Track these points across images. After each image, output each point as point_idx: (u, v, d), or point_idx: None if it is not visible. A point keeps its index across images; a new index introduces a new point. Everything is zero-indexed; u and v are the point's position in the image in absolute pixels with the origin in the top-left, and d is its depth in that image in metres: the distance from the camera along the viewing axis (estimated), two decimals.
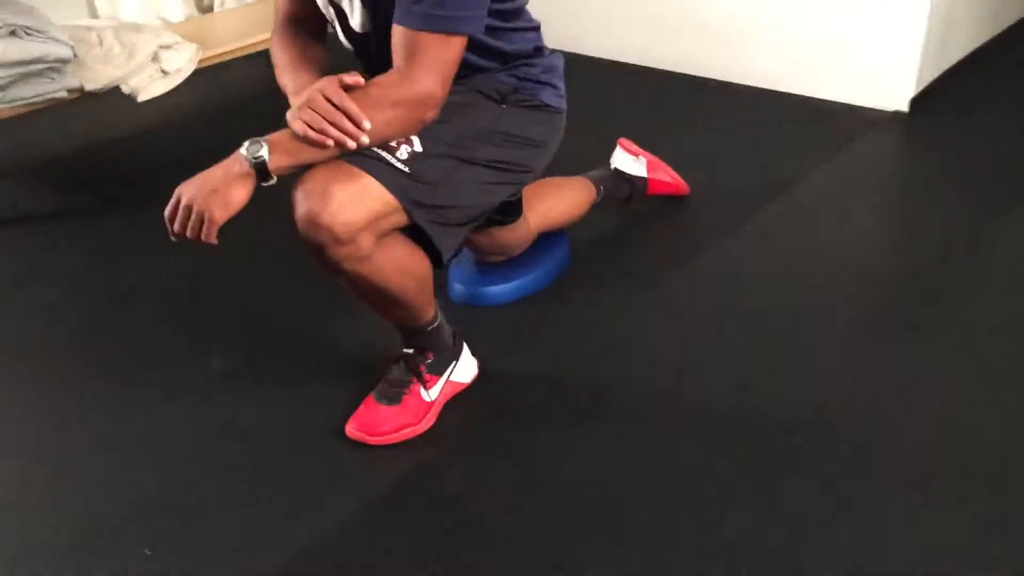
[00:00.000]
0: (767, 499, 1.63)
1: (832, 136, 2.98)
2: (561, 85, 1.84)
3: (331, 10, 1.70)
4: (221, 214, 1.48)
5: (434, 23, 1.50)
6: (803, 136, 3.00)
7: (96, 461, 1.75)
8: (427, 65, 1.52)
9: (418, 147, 1.57)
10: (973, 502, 1.61)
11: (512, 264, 2.22)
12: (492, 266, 2.22)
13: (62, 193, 2.77)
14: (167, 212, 1.52)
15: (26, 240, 2.51)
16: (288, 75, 1.70)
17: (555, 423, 1.83)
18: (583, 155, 2.50)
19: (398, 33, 1.53)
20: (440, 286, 2.17)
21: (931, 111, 3.13)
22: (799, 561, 1.51)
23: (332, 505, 1.63)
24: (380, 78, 1.56)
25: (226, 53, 3.12)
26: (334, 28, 1.74)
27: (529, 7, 1.78)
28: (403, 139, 1.56)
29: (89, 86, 2.73)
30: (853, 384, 1.91)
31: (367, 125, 1.49)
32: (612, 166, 2.52)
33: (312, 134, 1.48)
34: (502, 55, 1.71)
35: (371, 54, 1.69)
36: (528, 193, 2.23)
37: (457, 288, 2.19)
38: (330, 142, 1.48)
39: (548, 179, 2.33)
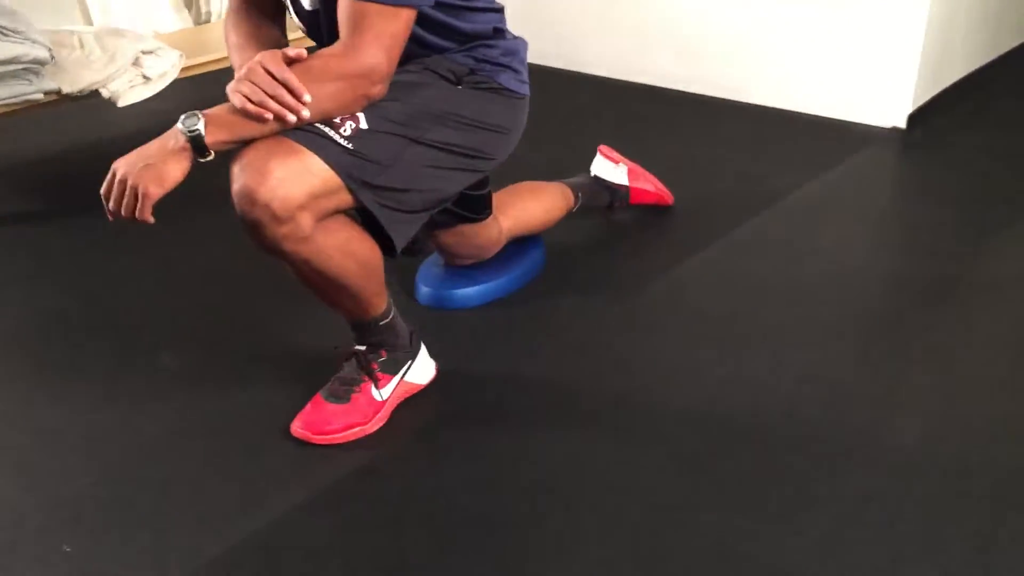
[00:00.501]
0: (734, 505, 1.54)
1: (827, 151, 2.91)
2: (523, 70, 1.77)
3: None
4: (156, 190, 1.42)
5: None
6: (797, 151, 2.93)
7: (30, 457, 1.68)
8: (372, 37, 1.46)
9: (364, 124, 1.51)
10: (959, 509, 1.51)
11: (481, 267, 2.15)
12: (461, 269, 2.15)
13: (31, 195, 2.72)
14: (103, 189, 1.47)
15: None
16: (238, 55, 1.65)
17: (512, 426, 1.75)
18: (566, 166, 2.43)
19: (343, 5, 1.48)
20: (407, 290, 2.12)
21: (928, 127, 3.05)
22: (763, 569, 1.41)
23: (268, 504, 1.56)
24: (323, 51, 1.50)
25: (214, 62, 3.08)
26: (286, 7, 1.69)
27: (520, 23, 1.71)
28: (348, 116, 1.50)
29: (67, 89, 2.69)
30: (829, 391, 1.82)
31: (307, 98, 1.43)
32: (592, 173, 2.45)
33: (250, 107, 1.42)
34: (459, 35, 1.65)
35: (321, 32, 1.63)
36: (501, 196, 2.17)
37: (423, 290, 2.12)
38: (269, 115, 1.42)
39: (523, 183, 2.27)
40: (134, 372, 1.91)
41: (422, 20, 1.58)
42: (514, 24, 1.79)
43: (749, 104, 3.29)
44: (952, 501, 1.54)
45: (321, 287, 1.60)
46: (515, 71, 1.73)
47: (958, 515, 1.51)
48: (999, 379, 1.84)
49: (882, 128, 3.07)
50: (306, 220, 1.46)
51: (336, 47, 1.49)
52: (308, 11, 1.63)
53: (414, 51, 1.61)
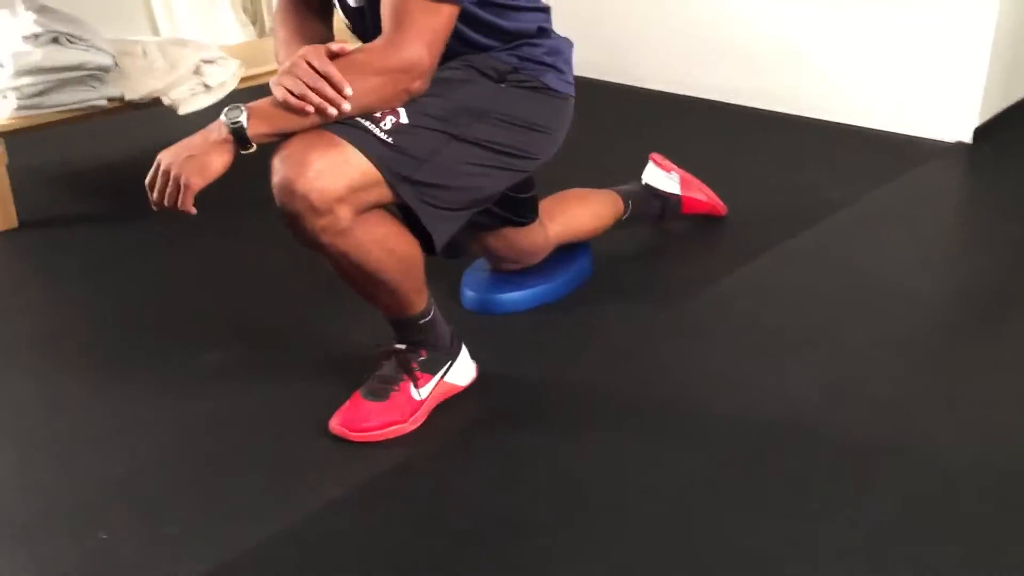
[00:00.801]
0: (768, 512, 1.49)
1: (888, 165, 2.84)
2: (568, 70, 1.76)
3: None
4: (198, 180, 1.44)
5: None
6: (857, 165, 2.87)
7: (70, 447, 1.71)
8: (414, 33, 1.46)
9: (404, 119, 1.51)
10: (1004, 528, 1.45)
11: (527, 272, 2.14)
12: (506, 274, 2.14)
13: (93, 199, 2.78)
14: (147, 179, 1.49)
15: (46, 241, 2.52)
16: (284, 50, 1.67)
17: (549, 429, 1.72)
18: (617, 177, 2.40)
19: (383, 4, 1.48)
20: (452, 294, 2.11)
21: (996, 143, 2.96)
22: None
23: (300, 498, 1.55)
24: (366, 45, 1.51)
25: (274, 72, 3.12)
26: (333, 4, 1.70)
27: (574, 35, 1.70)
28: (388, 110, 1.50)
29: (129, 96, 2.75)
30: (874, 404, 1.76)
31: (349, 92, 1.44)
32: (643, 182, 2.42)
33: (292, 100, 1.43)
34: (503, 33, 1.65)
35: (367, 29, 1.64)
36: (549, 202, 2.16)
37: (468, 295, 2.11)
38: (310, 108, 1.43)
39: (572, 189, 2.26)
40: (177, 367, 1.92)
41: (466, 18, 1.58)
42: (568, 36, 1.78)
43: (808, 118, 3.23)
44: (994, 518, 1.47)
45: (359, 282, 1.60)
46: (559, 71, 1.72)
47: (999, 531, 1.44)
48: None
49: (947, 143, 2.99)
50: (345, 213, 1.47)
51: (378, 41, 1.50)
52: (353, 8, 1.64)
53: (458, 49, 1.61)
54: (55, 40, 2.62)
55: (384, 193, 1.51)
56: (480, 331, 1.98)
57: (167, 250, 2.44)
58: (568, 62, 1.76)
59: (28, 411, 1.83)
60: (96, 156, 3.09)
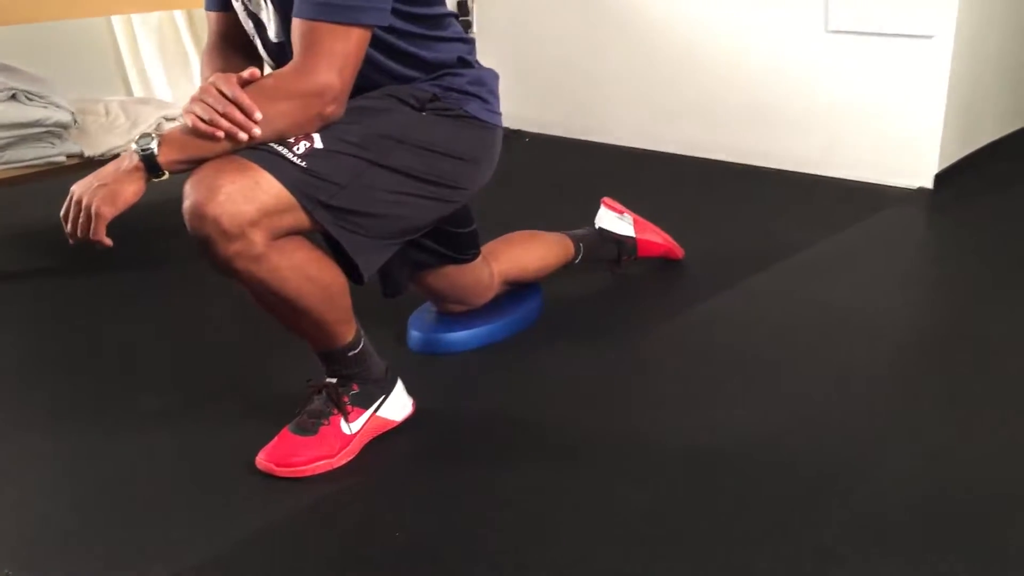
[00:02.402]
0: (714, 539, 1.44)
1: (849, 211, 2.84)
2: (493, 100, 1.75)
3: (250, 23, 1.67)
4: (109, 210, 1.43)
5: (329, 13, 1.46)
6: (819, 211, 2.87)
7: (9, 476, 1.66)
8: (324, 56, 1.46)
9: (318, 143, 1.50)
10: (950, 557, 1.40)
11: (474, 313, 2.11)
12: (453, 315, 2.11)
13: (43, 255, 2.77)
14: (63, 211, 1.48)
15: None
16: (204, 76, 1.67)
17: (487, 465, 1.68)
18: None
19: (295, 25, 1.49)
20: (399, 336, 2.08)
21: (956, 189, 2.97)
22: None
23: (220, 535, 1.50)
24: (277, 72, 1.51)
25: None
26: (254, 42, 1.71)
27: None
28: (303, 136, 1.49)
29: (89, 152, 2.77)
30: (823, 433, 1.72)
31: (258, 116, 1.43)
32: (596, 226, 2.41)
33: (202, 126, 1.43)
34: (423, 64, 1.65)
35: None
36: (495, 243, 2.15)
37: (414, 335, 2.08)
38: (220, 134, 1.43)
39: (519, 231, 2.25)
40: (111, 410, 1.89)
41: (384, 47, 1.58)
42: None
43: (773, 169, 3.24)
44: (938, 546, 1.43)
45: (280, 311, 1.58)
46: (483, 100, 1.72)
47: (945, 560, 1.39)
48: (1003, 434, 1.73)
49: (908, 189, 2.99)
50: (258, 237, 1.45)
51: (289, 67, 1.50)
52: (274, 43, 1.64)
53: (378, 80, 1.62)
54: (13, 97, 2.64)
55: (300, 218, 1.50)
56: (422, 369, 1.96)
57: (116, 302, 2.42)
58: (493, 92, 1.76)
59: None
60: (53, 214, 3.08)
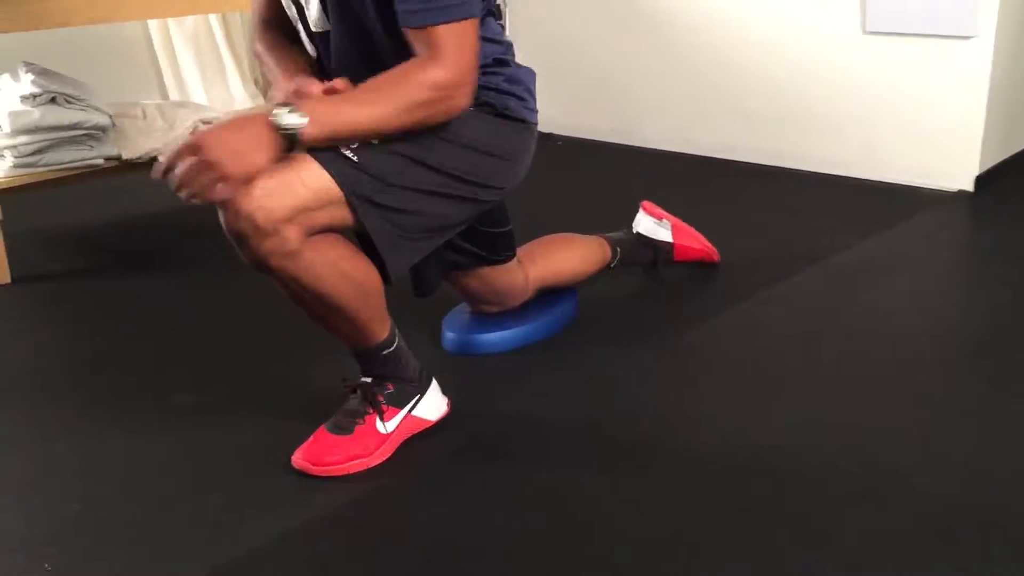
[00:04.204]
0: (748, 543, 1.42)
1: (888, 214, 2.80)
2: (530, 99, 1.74)
3: (293, 9, 1.67)
4: (242, 178, 1.39)
5: (446, 14, 1.46)
6: (857, 214, 2.83)
7: (28, 484, 1.67)
8: (451, 54, 1.47)
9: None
10: (981, 567, 1.37)
11: (508, 314, 2.10)
12: (487, 316, 2.10)
13: (83, 256, 2.79)
14: (171, 155, 1.38)
15: (35, 295, 2.52)
16: (270, 56, 1.69)
17: (521, 465, 1.66)
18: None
19: (412, 35, 1.49)
20: (434, 337, 2.08)
21: (998, 191, 2.92)
22: None
23: (254, 533, 1.50)
24: (405, 70, 1.49)
25: None
26: (297, 29, 1.71)
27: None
28: None
29: (126, 155, 2.79)
30: (861, 439, 1.69)
31: None
32: (634, 230, 2.39)
33: None
34: None
35: (331, 53, 1.64)
36: (531, 245, 2.14)
37: (448, 335, 2.07)
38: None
39: (556, 234, 2.23)
40: (147, 407, 1.90)
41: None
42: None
43: (811, 172, 3.21)
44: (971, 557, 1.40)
45: (315, 309, 1.57)
46: (520, 98, 1.71)
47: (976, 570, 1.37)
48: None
49: (948, 192, 2.95)
50: (292, 234, 1.44)
51: (418, 65, 1.48)
52: (318, 32, 1.64)
53: None
54: (52, 100, 2.67)
55: (338, 215, 1.49)
56: (458, 369, 1.95)
57: (152, 302, 2.43)
58: (531, 91, 1.75)
59: None
60: (92, 215, 3.12)
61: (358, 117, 1.45)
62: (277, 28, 1.75)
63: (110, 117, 2.75)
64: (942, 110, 2.95)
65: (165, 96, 3.97)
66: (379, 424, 1.67)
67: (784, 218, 2.84)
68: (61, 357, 2.16)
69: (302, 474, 1.63)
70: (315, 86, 1.49)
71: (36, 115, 2.63)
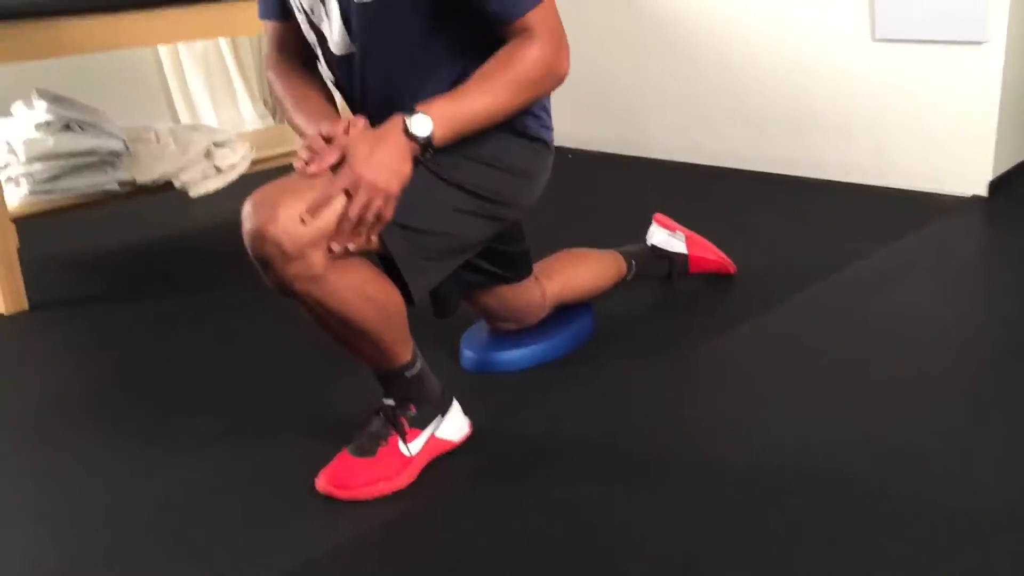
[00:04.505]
0: (776, 564, 1.42)
1: (902, 221, 2.79)
2: (546, 116, 1.75)
3: (312, 35, 1.68)
4: (398, 190, 1.45)
5: (529, 3, 1.52)
6: (871, 222, 2.83)
7: (58, 512, 1.68)
8: (546, 34, 1.54)
9: None
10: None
11: (526, 331, 2.10)
12: (505, 334, 2.10)
13: (100, 282, 2.80)
14: (320, 199, 1.41)
15: (53, 322, 2.53)
16: (304, 119, 1.67)
17: (546, 484, 1.66)
18: (624, 243, 2.38)
19: (504, 31, 1.54)
20: (452, 355, 2.08)
21: (1012, 195, 2.91)
22: None
23: (283, 557, 1.50)
24: (501, 54, 1.54)
25: (284, 156, 3.17)
26: (316, 56, 1.72)
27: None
28: None
29: (141, 179, 2.81)
30: (885, 451, 1.68)
31: None
32: (648, 243, 2.40)
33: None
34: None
35: (355, 78, 1.65)
36: (547, 261, 2.14)
37: (467, 355, 2.08)
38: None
39: (572, 249, 2.23)
40: (171, 434, 1.90)
41: (451, 63, 1.58)
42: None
43: (823, 180, 3.21)
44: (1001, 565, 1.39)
45: (339, 332, 1.58)
46: (536, 116, 1.71)
47: None
48: None
49: (962, 197, 2.95)
50: (318, 258, 1.45)
51: (519, 46, 1.53)
52: (339, 56, 1.65)
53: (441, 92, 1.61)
54: (67, 127, 2.69)
55: (364, 237, 1.49)
56: (477, 388, 1.95)
57: (171, 327, 2.44)
58: (546, 109, 1.75)
59: (20, 480, 1.81)
60: (108, 241, 3.13)
61: (477, 108, 1.51)
62: (291, 55, 1.75)
63: (124, 142, 2.77)
64: (954, 115, 2.95)
65: (176, 118, 3.99)
66: (402, 446, 1.67)
67: (797, 227, 2.83)
68: (84, 384, 2.17)
69: (327, 498, 1.63)
70: (339, 126, 1.49)
71: (51, 142, 2.65)
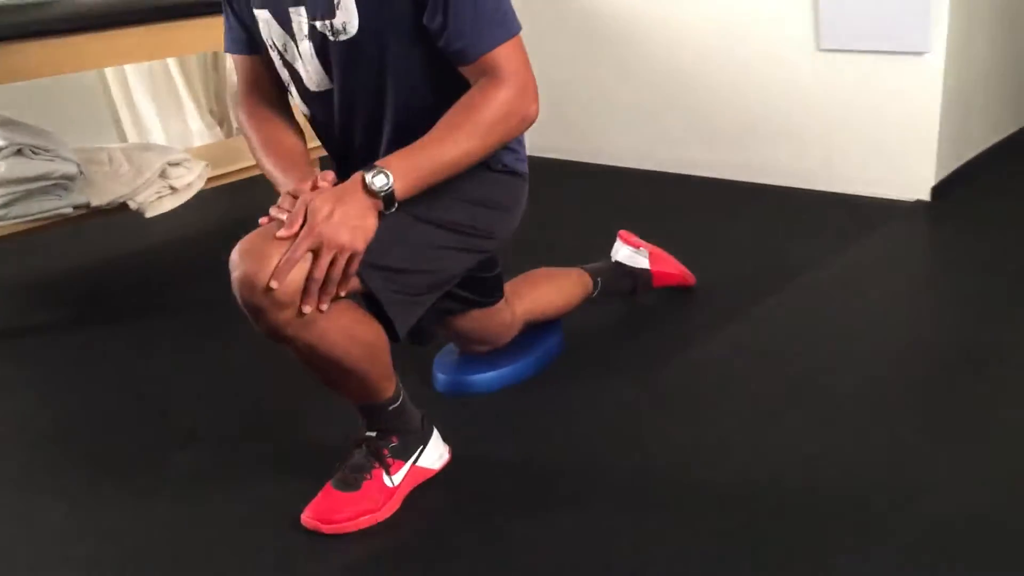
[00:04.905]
0: None
1: (850, 227, 2.88)
2: (521, 150, 1.78)
3: (286, 72, 1.69)
4: (364, 247, 1.45)
5: (500, 36, 1.53)
6: (820, 228, 2.91)
7: (33, 556, 1.67)
8: (512, 72, 1.54)
9: None
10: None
11: (498, 352, 2.13)
12: (476, 356, 2.13)
13: (56, 307, 2.77)
14: (288, 260, 1.41)
15: (12, 351, 2.49)
16: (273, 165, 1.67)
17: (527, 512, 1.69)
18: (586, 256, 2.42)
19: (469, 70, 1.55)
20: (424, 379, 2.10)
21: (954, 199, 3.02)
22: None
23: None
24: (475, 99, 1.53)
25: (239, 172, 3.16)
26: (289, 92, 1.72)
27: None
28: None
29: (95, 202, 2.77)
30: (855, 463, 1.75)
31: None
32: (613, 259, 2.44)
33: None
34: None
35: (332, 113, 1.66)
36: (516, 282, 2.17)
37: (440, 378, 2.10)
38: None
39: (539, 269, 2.26)
40: (145, 469, 1.90)
41: (432, 102, 1.60)
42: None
43: (771, 185, 3.29)
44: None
45: (326, 372, 1.59)
46: (513, 150, 1.74)
47: None
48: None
49: (907, 202, 3.04)
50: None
51: (480, 89, 1.53)
52: (315, 92, 1.66)
53: (426, 127, 1.62)
54: (19, 152, 2.64)
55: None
56: (451, 414, 1.97)
57: (134, 353, 2.43)
58: (521, 142, 1.78)
59: None
60: (61, 263, 3.09)
61: (441, 159, 1.51)
62: (261, 91, 1.76)
63: (78, 165, 2.73)
64: (897, 123, 3.04)
65: (121, 131, 3.94)
66: (386, 478, 1.70)
67: (752, 234, 2.90)
68: (52, 416, 2.15)
69: (313, 532, 1.65)
70: (307, 184, 1.50)
71: (2, 168, 2.60)
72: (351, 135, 1.69)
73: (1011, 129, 3.46)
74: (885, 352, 2.15)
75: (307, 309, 1.44)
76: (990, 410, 1.89)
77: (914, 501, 1.63)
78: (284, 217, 1.46)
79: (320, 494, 1.69)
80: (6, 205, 2.63)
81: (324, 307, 1.45)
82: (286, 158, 1.67)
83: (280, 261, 1.41)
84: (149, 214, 2.87)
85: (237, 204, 3.47)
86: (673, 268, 2.47)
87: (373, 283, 1.53)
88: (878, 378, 2.04)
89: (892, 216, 2.94)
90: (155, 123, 4.00)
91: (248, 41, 1.73)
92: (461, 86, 1.58)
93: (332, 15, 1.55)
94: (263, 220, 1.48)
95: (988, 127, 3.32)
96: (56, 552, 1.68)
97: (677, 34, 3.38)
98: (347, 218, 1.43)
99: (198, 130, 4.06)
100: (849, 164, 3.15)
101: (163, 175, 2.92)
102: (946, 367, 2.07)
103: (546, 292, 2.20)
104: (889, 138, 3.06)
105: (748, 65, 3.27)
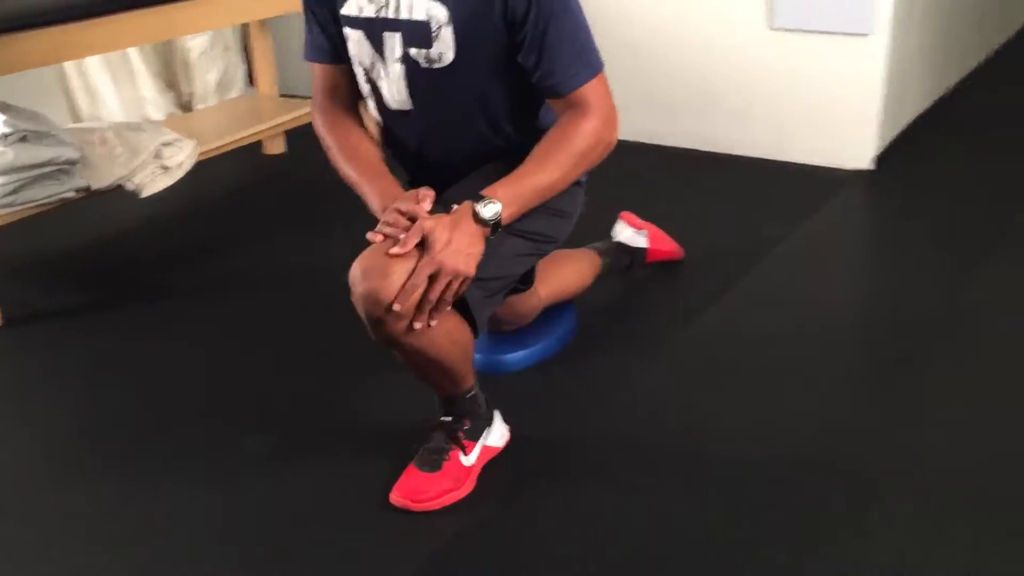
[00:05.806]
0: (776, 543, 1.73)
1: (805, 197, 3.14)
2: None
3: (367, 86, 1.81)
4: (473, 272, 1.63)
5: (589, 74, 1.70)
6: (778, 199, 3.17)
7: (121, 544, 1.78)
8: (599, 107, 1.73)
9: None
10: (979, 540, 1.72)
11: (525, 332, 2.32)
12: (504, 335, 2.31)
13: (69, 291, 2.81)
14: (410, 286, 1.57)
15: (42, 337, 2.54)
16: (359, 175, 1.79)
17: (583, 482, 1.90)
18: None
19: (560, 103, 1.71)
20: None
21: (895, 168, 3.32)
22: None
23: (383, 573, 1.68)
24: (564, 131, 1.71)
25: (214, 149, 3.22)
26: (365, 102, 1.85)
27: None
28: None
29: (96, 185, 2.81)
30: (852, 436, 2.00)
31: None
32: (615, 239, 2.63)
33: None
34: (536, 131, 1.80)
35: (412, 132, 1.81)
36: (541, 265, 2.34)
37: (476, 358, 2.26)
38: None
39: (556, 251, 2.44)
40: (218, 456, 2.01)
41: (511, 120, 1.76)
42: None
43: (724, 154, 3.53)
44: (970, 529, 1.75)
45: (426, 370, 1.76)
46: None
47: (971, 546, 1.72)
48: (1000, 405, 2.07)
49: (851, 171, 3.33)
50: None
51: (574, 120, 1.71)
52: (395, 111, 1.79)
53: (500, 147, 1.79)
54: (24, 139, 2.66)
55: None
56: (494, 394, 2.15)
57: (172, 335, 2.50)
58: None
59: (66, 510, 1.87)
60: (61, 243, 3.11)
61: (538, 186, 1.69)
62: (340, 100, 1.87)
63: (79, 150, 2.77)
64: (842, 98, 3.31)
65: (74, 109, 3.91)
66: (462, 458, 1.88)
67: (716, 206, 3.13)
68: (100, 411, 2.20)
69: (400, 512, 1.82)
70: (417, 206, 1.64)
71: (11, 155, 2.62)
72: (426, 152, 1.83)
73: (936, 95, 3.80)
74: (860, 322, 2.44)
75: (418, 326, 1.61)
76: (959, 374, 2.19)
77: (920, 471, 1.90)
78: (392, 231, 1.60)
79: (404, 475, 1.86)
80: (15, 191, 2.65)
81: (434, 323, 1.62)
82: (369, 168, 1.80)
83: (404, 283, 1.56)
84: (145, 194, 2.93)
85: (211, 179, 3.50)
86: (667, 245, 2.69)
87: (471, 295, 1.69)
88: (853, 347, 2.32)
89: (840, 186, 3.23)
90: (109, 89, 3.97)
91: (331, 51, 1.84)
92: (534, 115, 1.75)
93: (429, 45, 1.68)
94: (374, 236, 1.62)
95: (921, 96, 3.64)
96: (151, 536, 1.78)
97: (636, 10, 3.56)
98: (461, 246, 1.60)
99: (152, 98, 4.05)
100: (798, 136, 3.42)
101: (157, 155, 2.97)
102: (928, 335, 2.36)
103: (567, 274, 2.39)
104: (835, 112, 3.33)
105: (705, 41, 3.48)
